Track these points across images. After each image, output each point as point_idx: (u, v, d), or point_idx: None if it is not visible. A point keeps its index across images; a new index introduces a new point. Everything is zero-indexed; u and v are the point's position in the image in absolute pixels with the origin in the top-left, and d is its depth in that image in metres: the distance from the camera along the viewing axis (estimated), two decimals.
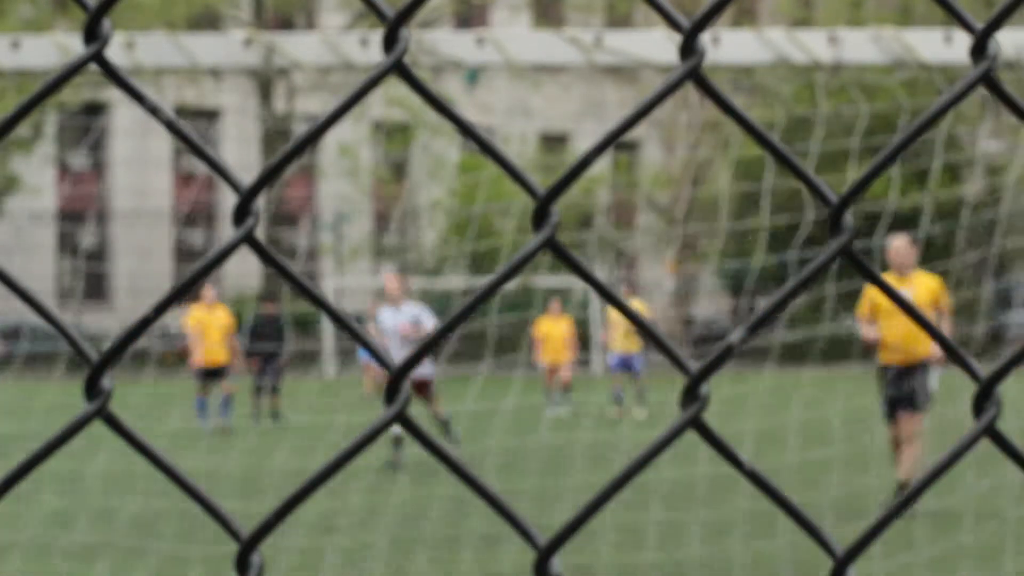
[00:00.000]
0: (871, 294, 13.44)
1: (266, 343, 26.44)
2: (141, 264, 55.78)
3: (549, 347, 28.68)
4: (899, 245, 13.75)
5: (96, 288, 56.41)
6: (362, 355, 33.02)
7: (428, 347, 1.34)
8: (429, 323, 17.45)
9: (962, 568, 10.58)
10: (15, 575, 10.77)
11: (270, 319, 27.39)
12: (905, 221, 21.24)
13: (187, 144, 1.34)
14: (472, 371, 24.48)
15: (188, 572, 10.68)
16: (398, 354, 16.98)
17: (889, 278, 13.26)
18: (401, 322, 17.35)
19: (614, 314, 27.90)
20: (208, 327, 24.32)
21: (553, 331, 28.87)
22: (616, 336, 27.99)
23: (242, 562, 1.32)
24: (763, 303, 1.39)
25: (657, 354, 28.05)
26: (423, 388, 17.68)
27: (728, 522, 12.31)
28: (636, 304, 27.51)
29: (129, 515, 12.91)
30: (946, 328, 13.45)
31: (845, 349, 22.72)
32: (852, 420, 18.01)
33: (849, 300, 15.36)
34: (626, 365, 27.63)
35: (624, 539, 11.56)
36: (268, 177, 1.33)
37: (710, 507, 12.66)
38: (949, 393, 14.07)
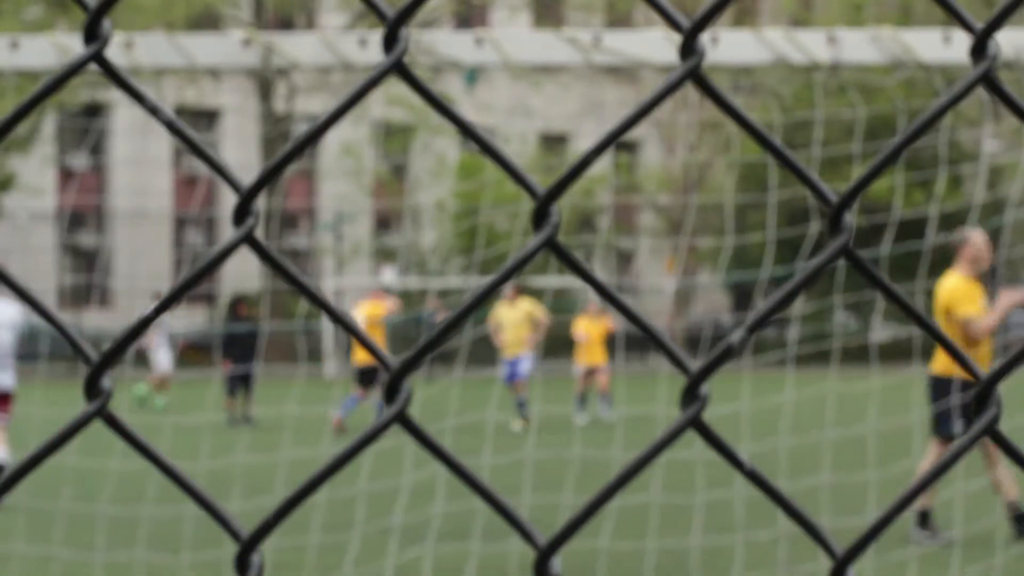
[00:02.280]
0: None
1: (240, 347, 26.55)
2: (141, 264, 55.81)
3: (586, 349, 26.65)
4: (982, 239, 11.80)
5: (96, 288, 56.45)
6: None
7: (429, 347, 1.34)
8: None
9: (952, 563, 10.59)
10: None
11: (245, 322, 27.46)
12: (910, 229, 21.20)
13: (187, 144, 1.34)
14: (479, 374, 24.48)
15: None
16: None
17: (970, 280, 11.59)
18: None
19: (504, 317, 25.40)
20: (369, 325, 24.40)
21: (592, 332, 26.71)
22: (508, 340, 25.32)
23: (242, 562, 1.33)
24: (762, 303, 1.38)
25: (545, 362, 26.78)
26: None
27: (728, 509, 12.33)
28: (526, 304, 25.59)
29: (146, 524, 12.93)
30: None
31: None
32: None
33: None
34: (512, 372, 25.13)
35: (624, 526, 11.57)
36: (268, 177, 1.33)
37: (711, 492, 12.67)
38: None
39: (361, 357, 24.23)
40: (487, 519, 11.89)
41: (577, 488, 13.68)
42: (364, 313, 24.48)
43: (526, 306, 25.43)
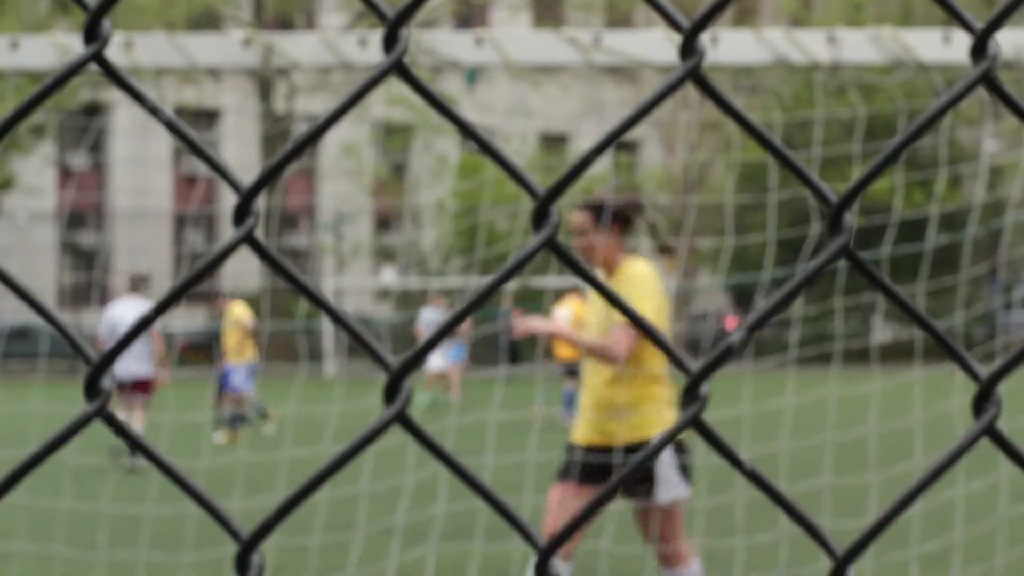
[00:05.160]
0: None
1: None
2: (141, 264, 55.78)
3: None
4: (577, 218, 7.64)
5: (96, 287, 56.47)
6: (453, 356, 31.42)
7: (429, 346, 1.34)
8: None
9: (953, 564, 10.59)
10: None
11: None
12: (911, 229, 21.18)
13: (187, 144, 1.34)
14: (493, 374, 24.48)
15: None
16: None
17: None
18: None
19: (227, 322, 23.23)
20: (582, 323, 24.21)
21: None
22: (224, 347, 23.11)
23: (242, 562, 1.33)
24: (762, 303, 1.38)
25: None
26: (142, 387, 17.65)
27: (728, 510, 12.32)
28: (237, 308, 23.34)
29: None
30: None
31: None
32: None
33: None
34: (225, 381, 22.89)
35: (626, 528, 11.56)
36: (268, 177, 1.33)
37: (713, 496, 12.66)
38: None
39: (564, 352, 24.14)
40: (489, 519, 11.89)
41: None
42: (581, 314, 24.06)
43: (236, 311, 23.14)
